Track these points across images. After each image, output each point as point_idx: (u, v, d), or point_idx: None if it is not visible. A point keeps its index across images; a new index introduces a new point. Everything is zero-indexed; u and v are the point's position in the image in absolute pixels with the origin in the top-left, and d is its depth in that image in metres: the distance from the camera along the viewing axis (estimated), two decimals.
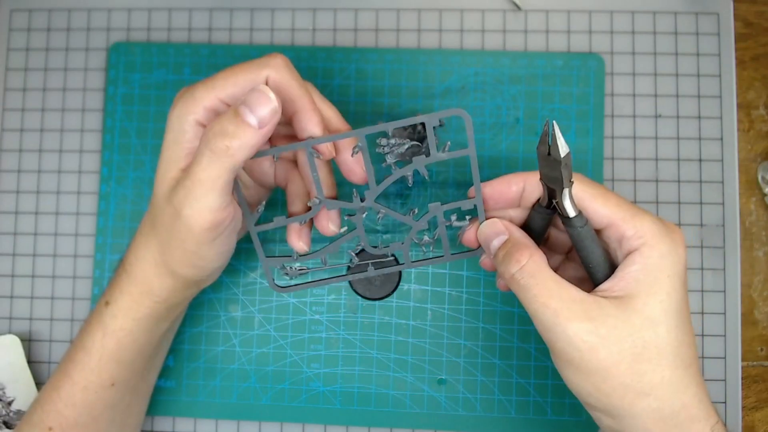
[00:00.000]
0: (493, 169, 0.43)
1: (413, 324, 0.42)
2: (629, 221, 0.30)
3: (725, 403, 0.42)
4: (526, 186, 0.32)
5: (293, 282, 0.36)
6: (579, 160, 0.43)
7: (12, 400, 0.42)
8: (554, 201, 0.31)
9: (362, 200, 0.33)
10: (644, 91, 0.44)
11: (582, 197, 0.31)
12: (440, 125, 0.32)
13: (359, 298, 0.42)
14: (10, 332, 0.44)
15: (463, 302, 0.42)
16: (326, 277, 0.36)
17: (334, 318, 0.43)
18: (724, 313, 0.42)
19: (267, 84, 0.31)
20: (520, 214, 0.34)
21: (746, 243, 0.43)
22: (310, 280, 0.36)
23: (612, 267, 0.31)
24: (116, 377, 0.35)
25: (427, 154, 0.32)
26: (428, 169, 0.32)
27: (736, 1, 0.44)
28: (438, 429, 0.42)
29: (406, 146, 0.33)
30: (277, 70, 0.31)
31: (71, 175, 0.45)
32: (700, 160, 0.43)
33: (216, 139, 0.29)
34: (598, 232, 0.31)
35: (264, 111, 0.29)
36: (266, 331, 0.43)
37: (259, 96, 0.29)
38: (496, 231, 0.32)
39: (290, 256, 0.35)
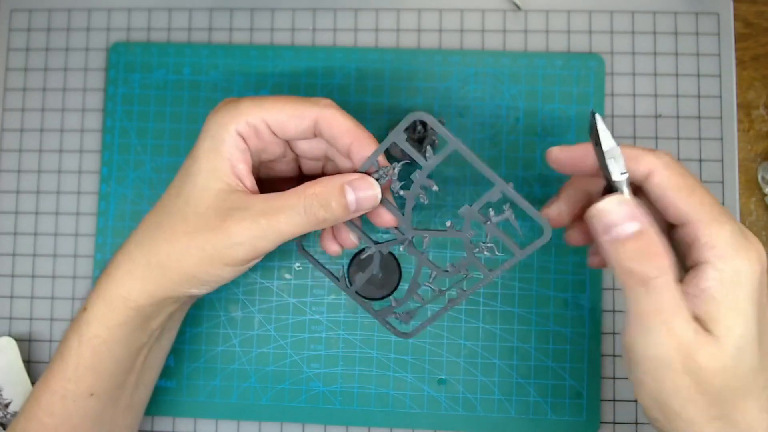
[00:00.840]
0: (493, 169, 0.43)
1: (413, 324, 0.42)
2: (706, 225, 0.27)
3: None
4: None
5: (413, 324, 0.36)
6: None
7: (9, 402, 0.42)
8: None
9: (403, 234, 0.34)
10: (644, 91, 0.44)
11: (665, 186, 0.28)
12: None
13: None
14: (10, 332, 0.44)
15: (463, 302, 0.42)
16: (438, 308, 0.36)
17: (334, 318, 0.43)
18: None
19: (322, 122, 0.32)
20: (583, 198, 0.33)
21: None
22: (428, 317, 0.36)
23: None
24: (95, 387, 0.34)
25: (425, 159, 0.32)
26: (437, 176, 0.32)
27: (736, 1, 0.44)
28: (438, 429, 0.42)
29: (397, 168, 0.32)
30: (327, 109, 0.32)
31: (71, 175, 0.45)
32: (700, 160, 0.43)
33: (317, 208, 0.31)
34: (671, 227, 0.29)
35: (366, 198, 0.31)
36: (266, 331, 0.43)
37: (367, 184, 0.31)
38: (624, 215, 0.27)
39: (391, 306, 0.36)
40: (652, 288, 0.27)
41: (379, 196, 0.32)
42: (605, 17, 0.44)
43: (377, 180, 0.32)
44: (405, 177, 0.33)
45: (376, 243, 0.35)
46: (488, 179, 0.31)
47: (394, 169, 0.32)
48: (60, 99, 0.45)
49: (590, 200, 0.31)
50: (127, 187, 0.44)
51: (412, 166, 0.32)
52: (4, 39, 0.46)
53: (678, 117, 0.43)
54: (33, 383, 0.42)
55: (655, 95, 0.44)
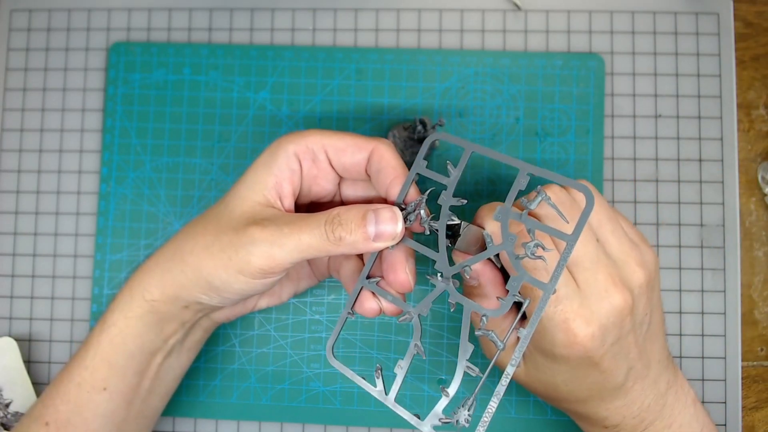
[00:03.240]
0: (494, 169, 0.43)
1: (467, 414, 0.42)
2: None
3: (725, 403, 0.42)
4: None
5: (466, 413, 0.30)
6: (579, 161, 0.43)
7: (9, 402, 0.42)
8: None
9: (441, 275, 0.31)
10: (644, 91, 0.44)
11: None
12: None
13: None
14: (10, 332, 0.44)
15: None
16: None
17: (334, 318, 0.43)
18: (724, 313, 0.42)
19: (375, 153, 0.33)
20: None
21: (746, 243, 0.43)
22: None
23: None
24: (108, 382, 0.34)
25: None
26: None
27: (736, 1, 0.44)
28: (438, 429, 0.42)
29: (424, 198, 0.32)
30: (382, 144, 0.33)
31: (71, 175, 0.45)
32: (700, 160, 0.43)
33: (337, 226, 0.31)
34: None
35: (386, 229, 0.31)
36: (266, 331, 0.43)
37: (390, 215, 0.31)
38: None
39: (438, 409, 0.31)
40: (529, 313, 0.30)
41: (400, 230, 0.31)
42: (605, 17, 0.44)
43: (406, 217, 0.31)
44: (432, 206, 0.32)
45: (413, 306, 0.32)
46: (510, 166, 0.30)
47: (423, 201, 0.31)
48: (60, 99, 0.45)
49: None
50: (127, 187, 0.44)
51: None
52: (4, 39, 0.46)
53: (678, 117, 0.43)
54: (33, 383, 0.42)
55: (655, 95, 0.44)
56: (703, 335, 0.42)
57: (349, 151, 0.33)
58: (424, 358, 0.33)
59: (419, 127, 0.40)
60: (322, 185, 0.35)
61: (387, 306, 0.33)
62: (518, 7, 0.45)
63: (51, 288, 0.44)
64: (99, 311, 0.43)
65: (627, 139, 0.43)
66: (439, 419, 0.30)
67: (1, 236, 0.45)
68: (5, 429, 0.41)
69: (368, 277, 0.33)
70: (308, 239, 0.31)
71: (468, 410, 0.29)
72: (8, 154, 0.45)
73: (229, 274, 0.32)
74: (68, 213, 0.44)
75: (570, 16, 0.44)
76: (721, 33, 0.44)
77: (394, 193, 0.32)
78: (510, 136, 0.43)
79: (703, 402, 0.42)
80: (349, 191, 0.36)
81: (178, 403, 0.42)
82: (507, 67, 0.44)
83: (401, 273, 0.32)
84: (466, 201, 0.31)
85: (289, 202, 0.33)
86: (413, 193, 0.32)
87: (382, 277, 0.33)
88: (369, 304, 0.33)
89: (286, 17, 0.45)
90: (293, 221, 0.31)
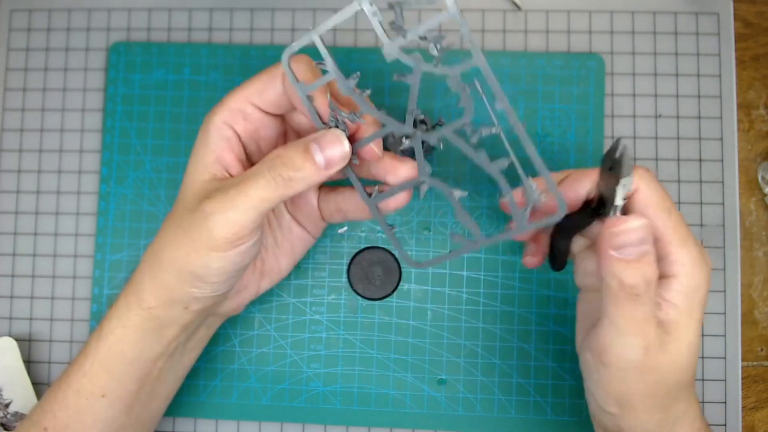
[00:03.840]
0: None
1: (413, 324, 0.42)
2: (677, 246, 0.30)
3: (725, 403, 0.42)
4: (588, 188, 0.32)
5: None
6: (579, 160, 0.43)
7: (9, 402, 0.42)
8: (601, 210, 0.31)
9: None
10: (644, 91, 0.44)
11: (647, 204, 0.31)
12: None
13: (359, 298, 0.42)
14: (10, 332, 0.44)
15: (463, 302, 0.42)
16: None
17: (334, 318, 0.43)
18: (724, 313, 0.42)
19: (286, 81, 0.31)
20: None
21: (746, 243, 0.43)
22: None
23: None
24: (106, 389, 0.34)
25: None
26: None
27: (736, 1, 0.44)
28: (438, 429, 0.42)
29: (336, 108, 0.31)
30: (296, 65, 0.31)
31: (71, 175, 0.45)
32: (700, 160, 0.43)
33: (280, 167, 0.30)
34: None
35: (333, 153, 0.30)
36: (266, 331, 0.43)
37: (332, 138, 0.31)
38: (641, 238, 0.29)
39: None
40: (639, 301, 0.29)
41: (348, 148, 0.31)
42: (605, 17, 0.44)
43: (337, 126, 0.31)
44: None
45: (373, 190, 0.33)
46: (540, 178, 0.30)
47: (334, 106, 0.30)
48: (60, 99, 0.45)
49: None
50: (127, 187, 0.44)
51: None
52: (4, 39, 0.46)
53: (678, 117, 0.43)
54: (33, 383, 0.42)
55: (655, 95, 0.44)
56: (703, 335, 0.42)
57: (269, 88, 0.32)
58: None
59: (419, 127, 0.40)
60: (267, 134, 0.34)
61: (403, 199, 0.33)
62: (518, 7, 0.45)
63: (51, 288, 0.44)
64: (99, 311, 0.43)
65: (627, 139, 0.43)
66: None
67: (1, 236, 0.45)
68: (5, 429, 0.41)
69: (368, 195, 0.33)
70: (257, 192, 0.30)
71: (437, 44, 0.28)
72: (8, 154, 0.45)
73: (200, 256, 0.31)
74: (68, 213, 0.44)
75: (570, 16, 0.44)
76: (721, 33, 0.44)
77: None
78: (510, 136, 0.43)
79: (703, 402, 0.42)
80: (300, 119, 0.34)
81: (178, 403, 0.42)
82: (507, 67, 0.44)
83: (390, 160, 0.32)
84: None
85: (238, 169, 0.33)
86: (323, 104, 0.31)
87: (377, 184, 0.33)
88: (393, 204, 0.33)
89: (286, 17, 0.45)
90: (238, 181, 0.30)
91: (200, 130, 0.33)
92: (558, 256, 0.34)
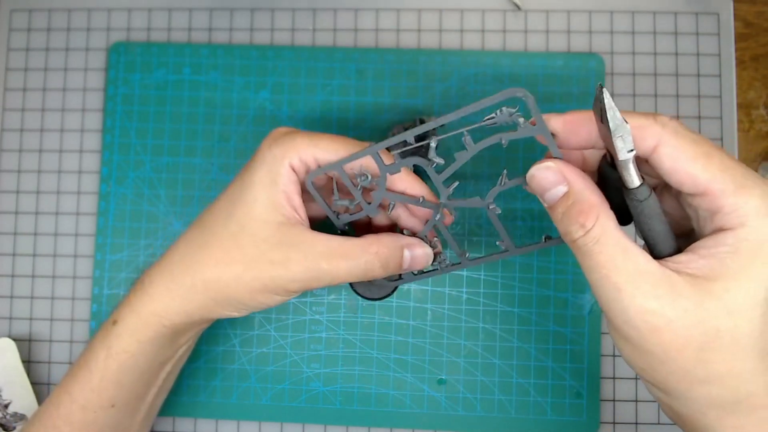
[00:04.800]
0: (493, 168, 0.43)
1: (413, 324, 0.42)
2: (731, 194, 0.25)
3: None
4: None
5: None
6: None
7: (8, 403, 0.42)
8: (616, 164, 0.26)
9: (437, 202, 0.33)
10: (644, 91, 0.44)
11: (676, 157, 0.25)
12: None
13: (359, 298, 0.42)
14: (10, 332, 0.44)
15: (463, 302, 0.42)
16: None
17: (334, 318, 0.43)
18: None
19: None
20: (596, 154, 0.29)
21: None
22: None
23: (676, 242, 0.27)
24: (116, 399, 0.34)
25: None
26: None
27: (736, 1, 0.44)
28: (438, 429, 0.42)
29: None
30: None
31: (71, 175, 0.45)
32: None
33: (376, 265, 0.32)
34: (685, 196, 0.27)
35: (420, 260, 0.33)
36: (266, 331, 0.43)
37: (422, 250, 0.33)
38: (551, 180, 0.27)
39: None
40: (579, 246, 0.26)
41: (431, 254, 0.34)
42: (605, 17, 0.44)
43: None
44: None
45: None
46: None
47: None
48: (60, 99, 0.45)
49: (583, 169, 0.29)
50: (127, 187, 0.44)
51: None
52: (4, 39, 0.46)
53: (678, 117, 0.43)
54: (32, 383, 0.42)
55: (655, 95, 0.44)
56: None
57: (339, 153, 0.32)
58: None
59: (418, 124, 0.40)
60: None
61: (424, 259, 0.34)
62: (518, 7, 0.45)
63: (51, 288, 0.44)
64: (99, 311, 0.43)
65: None
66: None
67: (1, 236, 0.45)
68: (5, 429, 0.41)
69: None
70: (346, 276, 0.32)
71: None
72: (8, 154, 0.45)
73: (266, 297, 0.32)
74: (68, 213, 0.44)
75: (570, 16, 0.44)
76: (721, 33, 0.44)
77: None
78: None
79: None
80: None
81: (178, 403, 0.42)
82: (507, 67, 0.44)
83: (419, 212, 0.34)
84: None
85: (304, 213, 0.33)
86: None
87: (407, 228, 0.35)
88: (421, 252, 0.34)
89: (286, 17, 0.45)
90: (328, 255, 0.31)
91: (263, 166, 0.32)
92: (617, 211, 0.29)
